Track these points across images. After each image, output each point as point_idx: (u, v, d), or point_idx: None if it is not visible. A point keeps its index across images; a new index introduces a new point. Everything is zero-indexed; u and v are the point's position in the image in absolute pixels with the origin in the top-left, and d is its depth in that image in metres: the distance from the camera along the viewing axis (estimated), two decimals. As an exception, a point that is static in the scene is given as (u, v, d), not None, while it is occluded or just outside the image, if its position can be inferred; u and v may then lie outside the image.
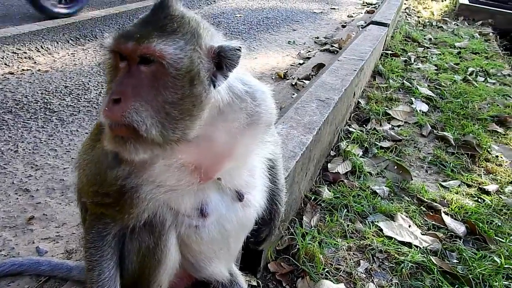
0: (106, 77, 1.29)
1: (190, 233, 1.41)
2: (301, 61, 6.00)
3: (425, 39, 7.75)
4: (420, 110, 4.66)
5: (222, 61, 1.23)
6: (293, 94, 4.47)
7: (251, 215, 1.58)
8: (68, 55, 5.29)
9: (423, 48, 7.14)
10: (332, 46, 6.55)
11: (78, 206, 1.63)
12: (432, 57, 6.67)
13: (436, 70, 6.07)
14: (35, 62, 4.94)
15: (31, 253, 2.25)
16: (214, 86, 1.24)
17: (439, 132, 4.21)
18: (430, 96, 5.02)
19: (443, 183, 3.38)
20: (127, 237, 1.43)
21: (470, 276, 2.38)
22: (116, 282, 1.45)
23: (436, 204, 3.07)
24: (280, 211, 1.87)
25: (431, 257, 2.51)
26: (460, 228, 2.84)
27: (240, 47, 1.24)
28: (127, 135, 1.16)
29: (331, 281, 2.26)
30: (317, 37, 7.31)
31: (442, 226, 2.86)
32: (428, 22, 9.50)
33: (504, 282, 2.38)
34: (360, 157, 3.59)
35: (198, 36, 1.22)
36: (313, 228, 2.64)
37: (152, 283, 1.46)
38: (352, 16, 9.39)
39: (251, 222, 1.63)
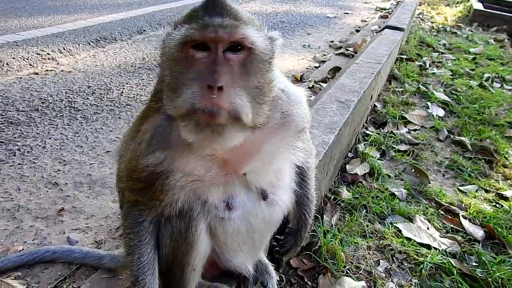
0: (170, 70, 1.26)
1: (216, 223, 1.48)
2: (317, 64, 6.05)
3: (439, 44, 7.76)
4: (436, 115, 4.69)
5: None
6: (311, 97, 4.52)
7: (276, 214, 1.62)
8: (89, 56, 5.41)
9: (437, 53, 7.16)
10: (347, 50, 6.59)
11: (118, 193, 1.73)
12: (447, 63, 6.68)
13: (451, 75, 6.08)
14: (58, 63, 5.07)
15: (62, 242, 2.33)
16: None
17: (456, 137, 4.23)
18: (446, 101, 5.05)
19: (461, 188, 3.40)
20: (162, 223, 1.50)
21: (489, 279, 2.40)
22: (155, 265, 1.52)
23: (454, 207, 3.09)
24: (308, 223, 1.88)
25: (450, 259, 2.53)
26: (478, 232, 2.86)
27: (279, 38, 1.34)
28: (228, 122, 1.18)
29: (352, 278, 2.31)
30: (332, 41, 7.36)
31: (461, 229, 2.89)
32: (442, 27, 9.50)
33: (524, 287, 2.41)
34: (378, 159, 3.63)
35: (261, 26, 1.31)
36: (333, 226, 2.69)
37: (186, 266, 1.51)
38: (365, 21, 9.43)
39: (276, 221, 1.67)
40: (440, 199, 3.18)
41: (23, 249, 2.23)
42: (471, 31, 9.56)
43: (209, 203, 1.44)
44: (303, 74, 5.52)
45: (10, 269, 2.07)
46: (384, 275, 2.43)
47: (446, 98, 5.12)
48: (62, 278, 2.09)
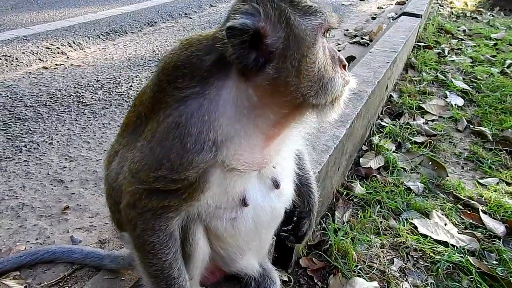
0: (311, 59, 1.18)
1: (227, 225, 1.37)
2: (331, 54, 5.88)
3: (459, 30, 7.48)
4: (455, 104, 4.50)
5: None
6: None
7: (283, 205, 1.55)
8: (99, 50, 5.37)
9: (457, 40, 6.89)
10: (363, 39, 6.40)
11: (111, 206, 1.52)
12: (467, 49, 6.43)
13: (471, 62, 5.84)
14: (67, 57, 5.04)
15: (66, 241, 2.29)
16: None
17: (476, 127, 4.05)
18: (466, 89, 4.84)
19: (481, 180, 3.24)
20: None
21: (510, 278, 2.27)
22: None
23: (473, 202, 2.94)
24: (315, 199, 1.82)
25: (468, 257, 2.40)
26: (499, 228, 2.71)
27: None
28: None
29: (364, 278, 2.20)
30: (347, 30, 7.16)
31: (480, 225, 2.74)
32: (461, 13, 9.17)
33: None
34: (393, 152, 3.50)
35: None
36: (345, 223, 2.59)
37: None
38: (382, 8, 9.17)
39: (281, 213, 1.60)
40: (459, 193, 3.03)
41: (25, 249, 2.20)
42: (492, 15, 9.20)
43: (221, 205, 1.34)
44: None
45: (11, 270, 2.03)
46: (398, 274, 2.32)
47: (465, 86, 4.91)
48: (63, 279, 2.04)
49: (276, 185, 1.44)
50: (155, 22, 6.74)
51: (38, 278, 2.06)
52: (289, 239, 1.88)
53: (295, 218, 1.85)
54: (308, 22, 1.15)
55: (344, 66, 1.26)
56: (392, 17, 7.59)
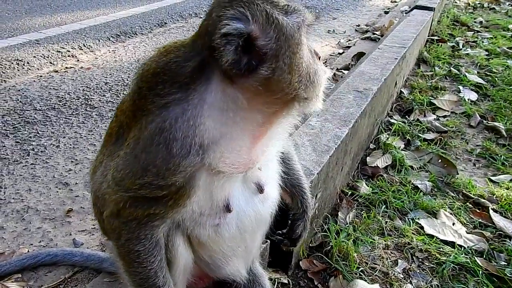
0: (298, 56, 1.22)
1: (210, 232, 1.35)
2: (341, 51, 5.81)
3: (475, 22, 7.27)
4: (468, 99, 4.37)
5: None
6: (331, 85, 4.33)
7: (268, 210, 1.52)
8: (109, 52, 5.43)
9: (472, 32, 6.69)
10: (374, 34, 6.30)
11: (96, 215, 1.51)
12: (482, 42, 6.23)
13: (487, 55, 5.66)
14: (78, 60, 5.11)
15: (68, 244, 2.33)
16: None
17: (489, 122, 3.92)
18: (480, 83, 4.69)
19: (493, 178, 3.14)
20: None
21: (519, 279, 2.20)
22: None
23: (483, 200, 2.86)
24: (309, 200, 1.79)
25: (476, 258, 2.33)
26: (510, 227, 2.62)
27: None
28: None
29: (365, 281, 2.16)
30: (358, 25, 7.06)
31: (490, 224, 2.66)
32: (478, 3, 8.91)
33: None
34: (402, 150, 3.42)
35: None
36: (348, 224, 2.54)
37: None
38: (395, 1, 9.01)
39: (268, 218, 1.57)
40: (469, 191, 2.95)
41: (28, 251, 2.24)
42: (511, 5, 8.91)
43: (204, 212, 1.32)
44: (326, 61, 5.32)
45: (13, 272, 2.07)
46: (402, 276, 2.26)
47: (480, 80, 4.76)
48: (63, 281, 2.07)
49: (260, 189, 1.42)
50: (165, 23, 6.78)
51: (40, 280, 2.09)
52: (283, 242, 1.85)
53: (289, 221, 1.83)
54: (292, 20, 1.17)
55: (319, 58, 1.33)
56: (405, 10, 7.43)
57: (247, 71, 1.12)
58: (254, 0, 1.13)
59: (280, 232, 1.88)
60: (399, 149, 3.40)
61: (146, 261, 1.29)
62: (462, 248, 2.44)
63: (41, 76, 4.57)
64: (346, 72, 4.60)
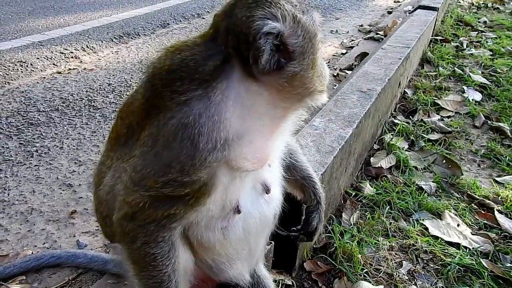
0: (314, 52, 1.27)
1: (217, 235, 1.34)
2: (344, 51, 5.80)
3: (479, 22, 7.24)
4: (472, 99, 4.35)
5: None
6: (335, 86, 4.31)
7: (272, 211, 1.51)
8: (112, 53, 5.44)
9: (476, 32, 6.66)
10: (377, 34, 6.27)
11: (99, 220, 1.50)
12: (487, 42, 6.21)
13: (491, 55, 5.64)
14: (81, 61, 5.12)
15: (72, 246, 2.32)
16: None
17: (494, 122, 3.91)
18: (484, 83, 4.67)
19: (498, 179, 3.12)
20: None
21: (526, 281, 2.19)
22: None
23: (488, 201, 2.84)
24: (321, 190, 1.79)
25: (481, 259, 2.32)
26: (515, 228, 2.61)
27: None
28: None
29: (370, 282, 2.15)
30: (361, 25, 7.05)
31: (495, 225, 2.65)
32: (482, 3, 8.88)
33: None
34: (406, 150, 3.41)
35: None
36: (352, 226, 2.53)
37: None
38: (398, 1, 8.98)
39: (272, 219, 1.55)
40: (474, 192, 2.93)
41: (32, 253, 2.24)
42: (516, 5, 8.88)
43: (217, 211, 1.30)
44: (329, 62, 5.30)
45: (17, 274, 2.07)
46: (407, 277, 2.25)
47: (484, 80, 4.74)
48: (67, 283, 2.07)
49: (267, 189, 1.41)
50: (168, 24, 6.78)
51: (44, 282, 2.09)
52: (299, 238, 1.83)
53: (303, 217, 1.81)
54: (310, 18, 1.23)
55: None
56: (409, 10, 7.41)
57: (277, 69, 1.17)
58: (278, 0, 1.17)
59: (294, 228, 1.86)
60: (403, 149, 3.39)
61: (161, 265, 1.27)
62: (467, 249, 2.42)
63: (44, 77, 4.58)
64: (349, 72, 4.59)
